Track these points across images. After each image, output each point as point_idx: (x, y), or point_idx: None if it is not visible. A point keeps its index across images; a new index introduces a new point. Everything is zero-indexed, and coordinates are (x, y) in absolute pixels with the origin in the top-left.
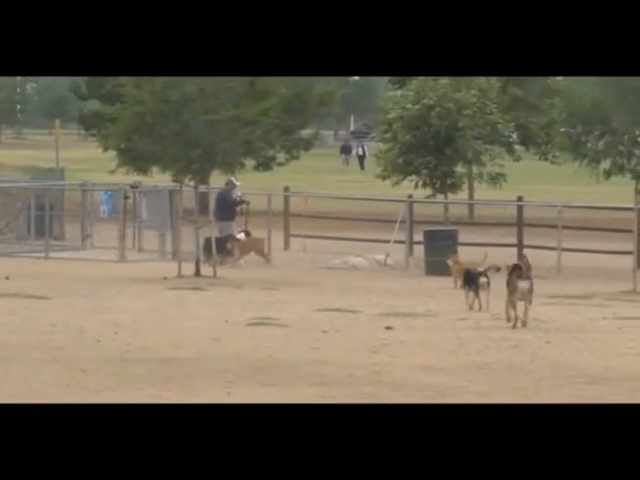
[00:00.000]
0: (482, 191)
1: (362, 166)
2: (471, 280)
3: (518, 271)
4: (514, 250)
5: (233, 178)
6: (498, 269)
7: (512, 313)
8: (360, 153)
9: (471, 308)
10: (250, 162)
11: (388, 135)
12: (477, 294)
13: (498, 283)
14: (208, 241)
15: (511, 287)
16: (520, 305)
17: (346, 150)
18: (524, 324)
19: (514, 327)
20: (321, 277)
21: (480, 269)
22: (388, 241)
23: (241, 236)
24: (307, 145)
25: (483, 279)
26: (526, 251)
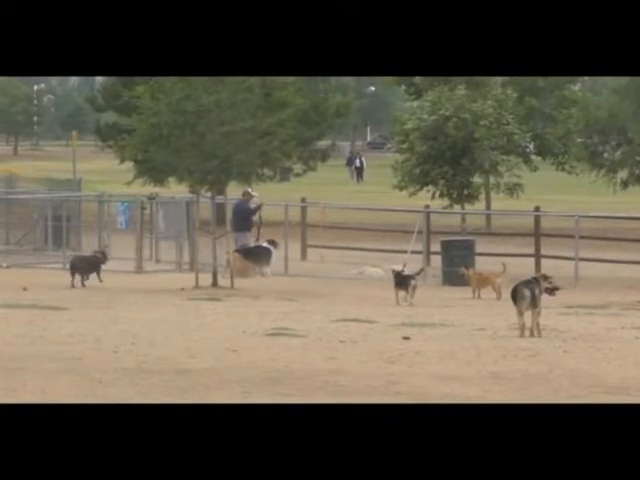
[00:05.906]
0: (499, 201)
1: (360, 178)
2: (402, 282)
3: (526, 281)
4: (531, 260)
5: (250, 189)
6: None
7: (521, 322)
8: (358, 165)
9: (398, 304)
10: (268, 173)
11: (405, 146)
12: (407, 292)
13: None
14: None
15: (514, 296)
16: (529, 314)
17: (352, 162)
18: (534, 334)
19: (521, 335)
20: (338, 287)
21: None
22: (405, 251)
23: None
24: (324, 156)
25: (413, 281)
26: (543, 261)
